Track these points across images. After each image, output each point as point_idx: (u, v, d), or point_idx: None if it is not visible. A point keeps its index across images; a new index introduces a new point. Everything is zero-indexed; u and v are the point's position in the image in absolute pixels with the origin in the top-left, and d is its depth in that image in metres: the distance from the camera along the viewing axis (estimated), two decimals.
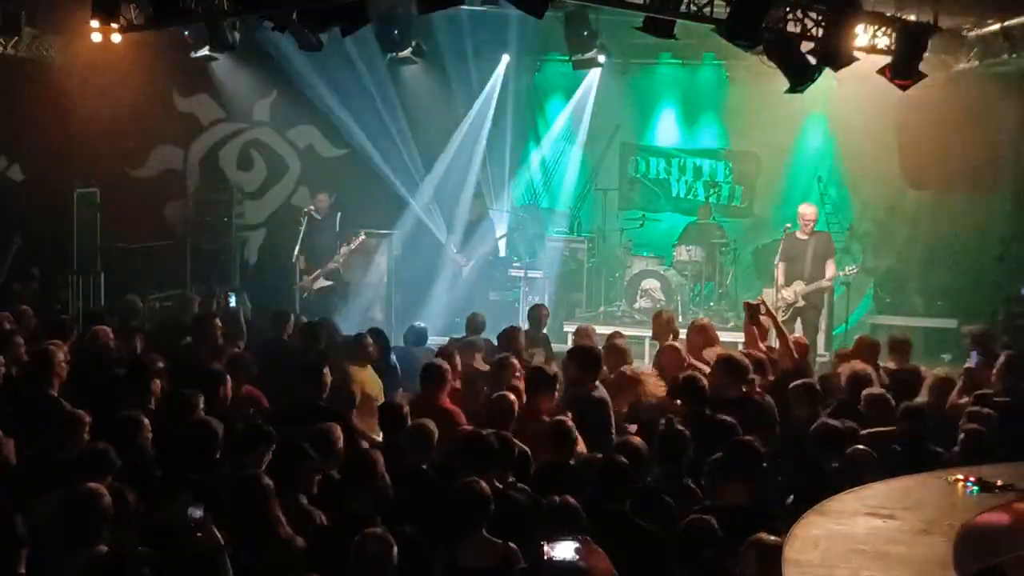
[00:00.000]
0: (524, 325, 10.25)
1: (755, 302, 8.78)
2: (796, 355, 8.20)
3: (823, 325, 11.99)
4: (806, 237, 11.54)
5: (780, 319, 11.06)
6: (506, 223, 14.28)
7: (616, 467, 5.63)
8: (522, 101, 14.33)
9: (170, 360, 7.87)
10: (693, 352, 8.58)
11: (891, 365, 8.63)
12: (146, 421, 6.11)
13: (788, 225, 12.54)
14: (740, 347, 9.14)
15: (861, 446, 6.20)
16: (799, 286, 11.43)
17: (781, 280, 11.50)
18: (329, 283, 12.77)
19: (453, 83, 14.03)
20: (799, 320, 11.40)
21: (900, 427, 6.67)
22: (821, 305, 11.72)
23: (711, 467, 5.78)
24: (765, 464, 5.89)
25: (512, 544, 5.02)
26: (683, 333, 9.46)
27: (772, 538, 4.58)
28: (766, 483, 5.92)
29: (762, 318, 8.66)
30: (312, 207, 12.99)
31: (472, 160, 14.22)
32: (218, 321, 8.99)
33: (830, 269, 11.52)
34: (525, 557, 4.95)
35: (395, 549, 4.68)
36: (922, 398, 7.61)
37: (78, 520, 4.81)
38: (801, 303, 11.41)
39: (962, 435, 6.47)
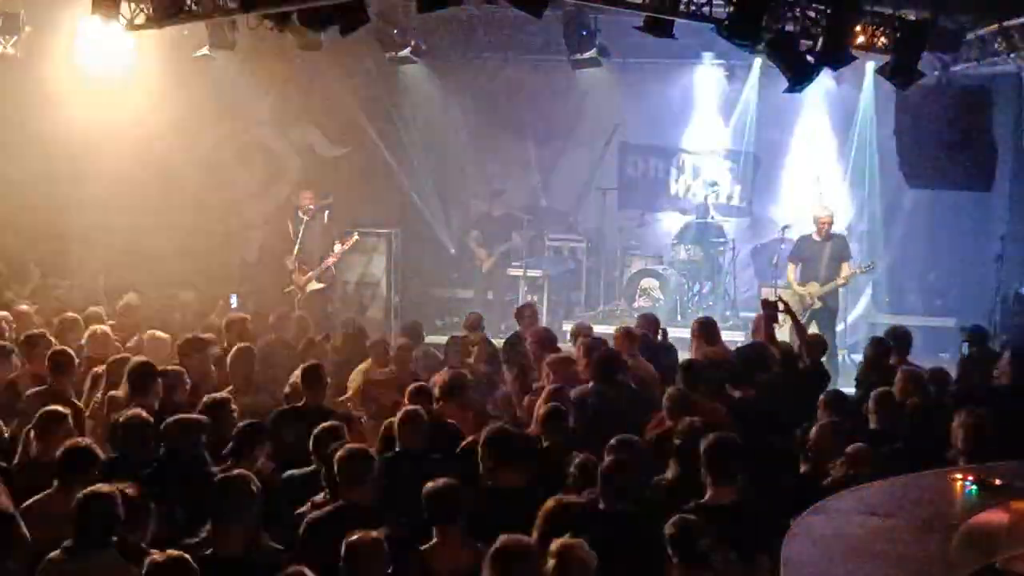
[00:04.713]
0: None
1: (773, 299, 8.73)
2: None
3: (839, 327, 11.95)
4: (820, 239, 11.54)
5: None
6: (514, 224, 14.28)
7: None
8: (521, 100, 14.33)
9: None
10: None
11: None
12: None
13: (787, 225, 12.57)
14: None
15: (862, 444, 6.20)
16: (813, 287, 11.40)
17: (795, 280, 11.49)
18: (321, 285, 12.50)
19: (453, 83, 14.03)
20: (813, 322, 11.34)
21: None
22: (835, 307, 11.65)
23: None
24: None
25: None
26: (681, 332, 9.46)
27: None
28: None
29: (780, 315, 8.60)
30: (298, 206, 12.72)
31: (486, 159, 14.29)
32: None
33: (845, 271, 11.51)
34: None
35: (385, 550, 4.57)
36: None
37: (91, 522, 4.69)
38: (817, 304, 11.38)
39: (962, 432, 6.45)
